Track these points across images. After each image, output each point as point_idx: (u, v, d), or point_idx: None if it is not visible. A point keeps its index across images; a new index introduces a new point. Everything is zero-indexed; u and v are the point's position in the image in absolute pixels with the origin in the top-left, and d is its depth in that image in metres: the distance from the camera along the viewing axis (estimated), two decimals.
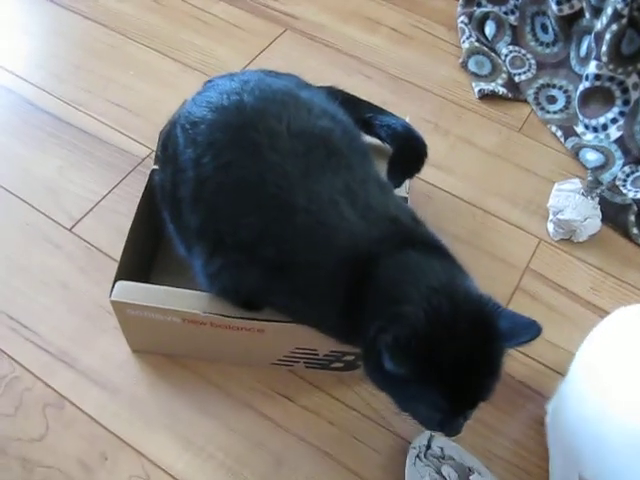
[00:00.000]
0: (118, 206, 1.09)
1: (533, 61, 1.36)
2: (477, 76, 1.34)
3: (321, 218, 0.74)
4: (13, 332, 0.96)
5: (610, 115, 1.24)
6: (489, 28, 1.40)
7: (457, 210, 1.14)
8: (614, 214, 1.14)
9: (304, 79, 0.95)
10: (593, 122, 1.25)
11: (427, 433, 0.86)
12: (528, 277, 1.07)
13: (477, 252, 1.09)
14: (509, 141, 1.26)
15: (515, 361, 0.96)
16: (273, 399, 0.92)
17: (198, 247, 0.82)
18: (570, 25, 1.33)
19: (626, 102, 1.23)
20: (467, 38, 1.39)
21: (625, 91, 1.23)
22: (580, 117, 1.27)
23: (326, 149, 0.78)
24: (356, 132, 0.88)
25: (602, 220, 1.11)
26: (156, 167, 0.93)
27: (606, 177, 1.19)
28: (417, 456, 0.84)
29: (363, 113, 1.01)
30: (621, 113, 1.23)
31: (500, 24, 1.39)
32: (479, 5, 1.44)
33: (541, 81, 1.34)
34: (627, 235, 1.13)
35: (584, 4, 1.28)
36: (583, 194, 1.11)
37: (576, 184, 1.13)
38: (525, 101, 1.32)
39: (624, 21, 1.18)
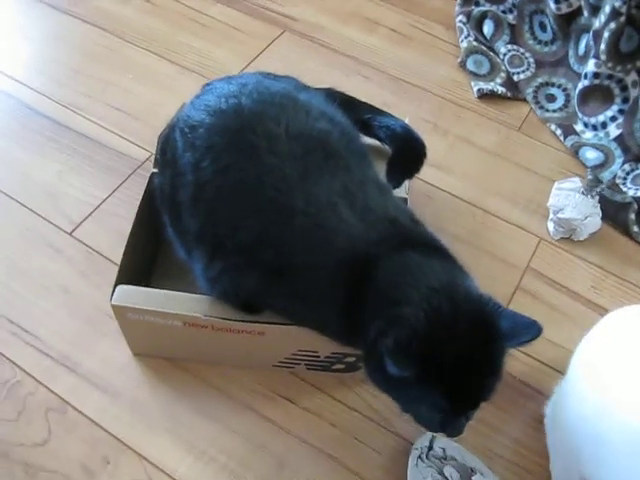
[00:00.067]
0: (118, 210, 1.10)
1: (532, 60, 1.36)
2: (476, 75, 1.34)
3: (319, 220, 0.74)
4: (14, 337, 0.96)
5: (609, 113, 1.24)
6: (487, 27, 1.39)
7: (457, 210, 1.14)
8: (614, 212, 1.14)
9: (303, 81, 0.95)
10: (592, 120, 1.25)
11: (429, 434, 0.86)
12: (529, 276, 1.07)
13: (477, 252, 1.08)
14: (508, 140, 1.25)
15: (516, 360, 0.96)
16: (274, 401, 0.92)
17: (198, 251, 0.82)
18: (568, 23, 1.33)
19: (625, 100, 1.23)
20: (465, 37, 1.39)
21: (624, 89, 1.23)
22: (579, 115, 1.26)
23: (324, 151, 0.78)
24: (355, 134, 0.88)
25: (602, 218, 1.11)
26: (155, 170, 0.93)
27: (606, 175, 1.18)
28: (419, 457, 0.84)
29: (362, 114, 1.01)
30: (620, 111, 1.23)
31: (498, 23, 1.39)
32: (477, 4, 1.44)
33: (540, 80, 1.34)
34: (627, 233, 1.13)
35: (582, 2, 1.28)
36: (583, 193, 1.11)
37: (576, 183, 1.13)
38: (524, 100, 1.32)
39: (622, 19, 1.18)
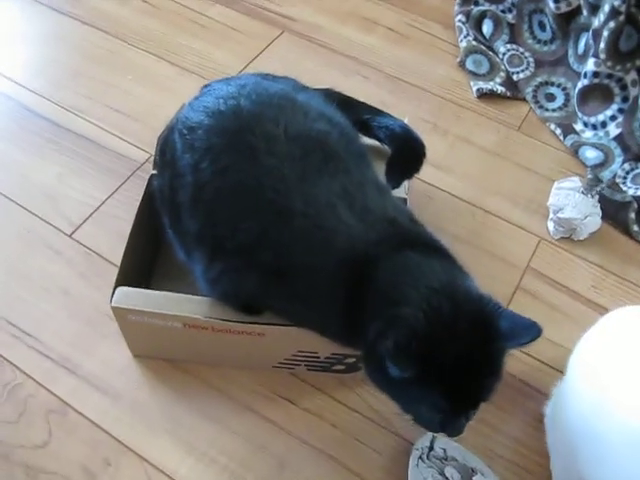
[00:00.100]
0: (118, 211, 1.10)
1: (531, 59, 1.36)
2: (475, 75, 1.34)
3: (319, 222, 0.74)
4: (14, 339, 0.96)
5: (609, 112, 1.24)
6: (487, 26, 1.39)
7: (457, 210, 1.14)
8: (614, 211, 1.13)
9: (302, 81, 0.95)
10: (592, 120, 1.25)
11: (429, 434, 0.86)
12: (529, 276, 1.06)
13: (477, 252, 1.08)
14: (508, 140, 1.25)
15: (516, 360, 0.95)
16: (275, 402, 0.92)
17: (197, 252, 0.82)
18: (568, 23, 1.33)
19: (625, 99, 1.23)
20: (465, 37, 1.39)
21: (624, 88, 1.23)
22: (579, 115, 1.26)
23: (323, 152, 0.78)
24: (353, 134, 0.88)
25: (602, 218, 1.11)
26: (155, 172, 0.93)
27: (606, 174, 1.18)
28: (420, 457, 0.84)
29: (361, 115, 1.01)
30: (620, 110, 1.23)
31: (498, 22, 1.39)
32: (476, 4, 1.44)
33: (539, 79, 1.34)
34: (627, 232, 1.13)
35: (581, 1, 1.28)
36: (583, 192, 1.11)
37: (576, 182, 1.13)
38: (524, 99, 1.32)
39: (622, 18, 1.18)
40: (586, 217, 1.09)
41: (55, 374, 0.93)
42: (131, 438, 0.88)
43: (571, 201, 1.10)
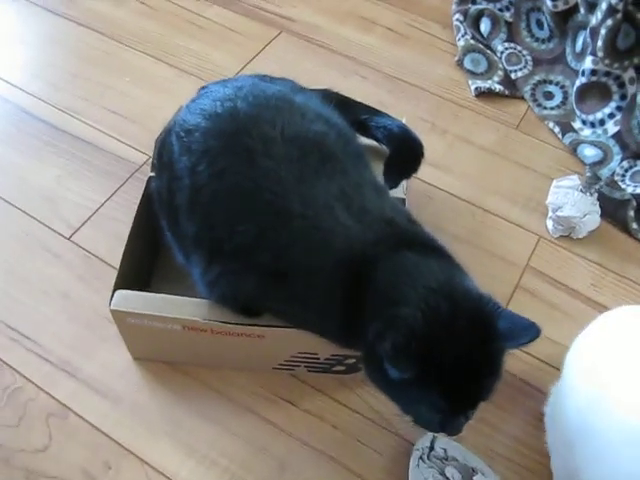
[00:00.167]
0: (116, 214, 1.10)
1: (529, 57, 1.36)
2: (473, 74, 1.34)
3: (317, 223, 0.74)
4: (14, 342, 0.96)
5: (607, 110, 1.24)
6: (484, 25, 1.39)
7: (456, 209, 1.14)
8: (613, 209, 1.13)
9: (300, 81, 0.95)
10: (590, 117, 1.25)
11: (430, 434, 0.86)
12: (528, 275, 1.06)
13: (477, 251, 1.08)
14: (507, 138, 1.25)
15: (516, 358, 0.95)
16: (275, 404, 0.92)
17: (196, 255, 0.82)
18: (565, 21, 1.32)
19: (623, 97, 1.23)
20: (462, 36, 1.39)
21: (622, 86, 1.23)
22: (577, 113, 1.26)
23: (320, 154, 0.78)
24: (351, 135, 0.88)
25: (601, 216, 1.11)
26: (153, 174, 0.92)
27: (604, 172, 1.18)
28: (420, 458, 0.84)
29: (359, 115, 1.00)
30: (618, 108, 1.23)
31: (495, 21, 1.39)
32: (474, 2, 1.44)
33: (537, 77, 1.34)
34: (627, 230, 1.12)
35: (579, 0, 1.28)
36: (582, 190, 1.11)
37: (575, 180, 1.13)
38: (522, 98, 1.32)
39: (619, 16, 1.17)
40: (585, 215, 1.08)
41: (55, 377, 0.93)
42: (131, 441, 0.88)
43: (570, 199, 1.10)
